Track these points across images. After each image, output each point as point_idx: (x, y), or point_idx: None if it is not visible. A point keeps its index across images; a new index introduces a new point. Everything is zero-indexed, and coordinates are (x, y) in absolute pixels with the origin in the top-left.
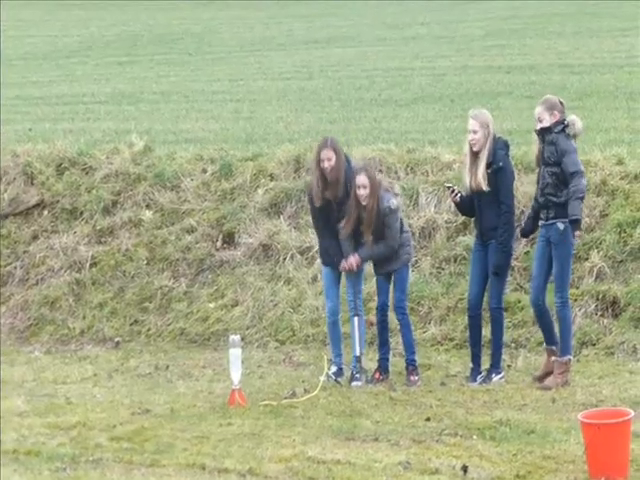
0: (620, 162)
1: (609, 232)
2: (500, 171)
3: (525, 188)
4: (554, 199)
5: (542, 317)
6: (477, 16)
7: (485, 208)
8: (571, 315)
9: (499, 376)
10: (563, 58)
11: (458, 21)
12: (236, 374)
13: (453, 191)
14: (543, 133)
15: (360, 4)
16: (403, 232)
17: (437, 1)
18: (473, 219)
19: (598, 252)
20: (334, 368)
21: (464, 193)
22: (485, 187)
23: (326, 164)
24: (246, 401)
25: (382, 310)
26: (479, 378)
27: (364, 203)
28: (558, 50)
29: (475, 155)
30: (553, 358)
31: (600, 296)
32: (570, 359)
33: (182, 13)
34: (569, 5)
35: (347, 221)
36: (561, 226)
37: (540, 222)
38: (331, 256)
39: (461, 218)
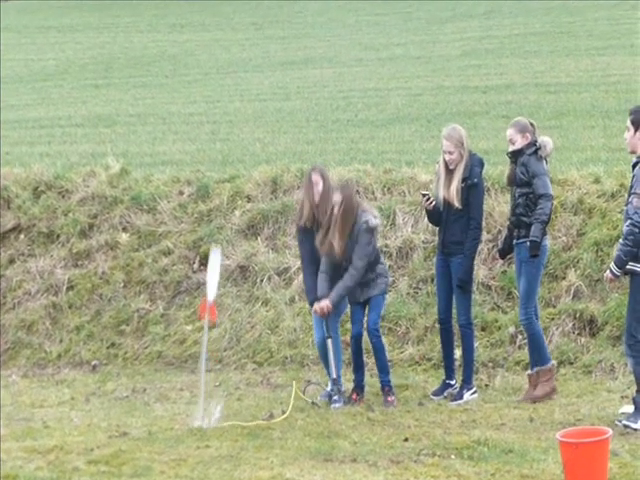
0: (597, 181)
1: (586, 251)
2: (474, 187)
3: (502, 208)
4: (524, 219)
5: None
6: (453, 36)
7: (452, 222)
8: (539, 327)
9: (471, 392)
10: (539, 77)
11: (434, 41)
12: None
13: (428, 199)
14: (515, 155)
15: (336, 25)
16: (379, 263)
17: (413, 22)
18: (438, 231)
19: (575, 271)
20: (328, 388)
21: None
22: (457, 203)
23: (314, 188)
24: (216, 317)
25: (357, 339)
26: (446, 393)
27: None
28: (534, 69)
29: (449, 169)
30: (535, 368)
31: (577, 315)
32: (553, 364)
33: (158, 36)
34: (545, 24)
35: (322, 235)
36: (529, 245)
37: (513, 241)
38: (308, 295)
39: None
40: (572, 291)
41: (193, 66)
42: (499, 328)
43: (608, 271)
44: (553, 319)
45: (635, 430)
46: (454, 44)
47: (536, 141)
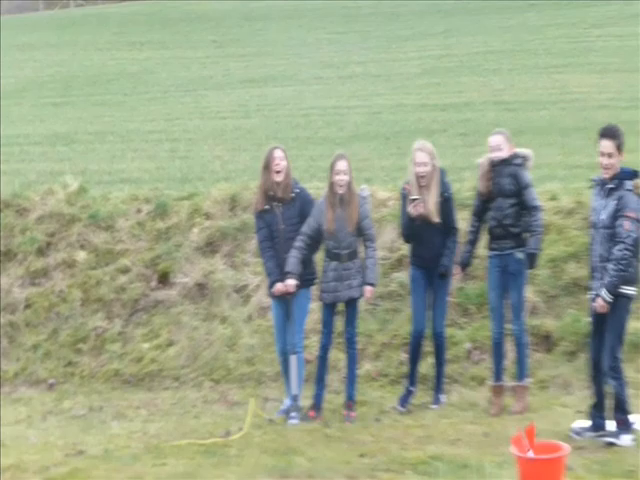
0: (554, 198)
1: (543, 267)
2: (449, 199)
3: (459, 224)
4: (513, 229)
5: (502, 346)
6: (412, 55)
7: (430, 237)
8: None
9: (444, 396)
10: (498, 95)
11: (394, 60)
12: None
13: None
14: (500, 164)
15: (297, 43)
16: (358, 256)
17: (373, 40)
18: (412, 247)
19: (532, 287)
20: (284, 406)
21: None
22: (437, 219)
23: (278, 162)
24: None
25: (325, 348)
26: (407, 401)
27: (341, 192)
28: (493, 87)
29: (422, 186)
30: (514, 383)
31: (534, 331)
32: (530, 381)
33: (118, 54)
34: (504, 42)
35: (329, 213)
36: (520, 255)
37: (492, 252)
38: (270, 276)
39: (396, 254)
40: (529, 307)
41: (153, 84)
42: (456, 344)
43: (600, 299)
44: (509, 335)
45: (620, 446)
46: (413, 62)
47: (517, 153)
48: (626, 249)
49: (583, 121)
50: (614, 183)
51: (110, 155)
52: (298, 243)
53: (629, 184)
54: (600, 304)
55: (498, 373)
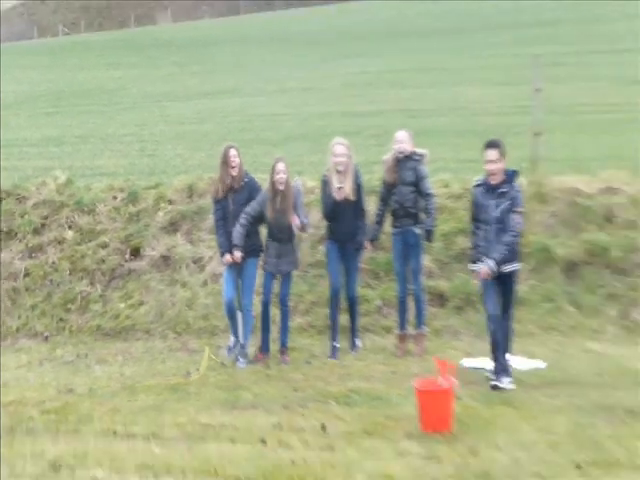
0: (446, 185)
1: (437, 240)
2: (361, 186)
3: (369, 206)
4: (412, 211)
5: (405, 303)
6: (337, 71)
7: (347, 217)
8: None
9: (359, 341)
10: (404, 105)
11: (321, 77)
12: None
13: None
14: (405, 158)
15: (244, 62)
16: (294, 238)
17: (305, 60)
18: (330, 225)
19: (429, 256)
20: (231, 344)
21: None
22: (353, 197)
23: (233, 159)
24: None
25: (266, 305)
26: (336, 354)
27: (281, 188)
28: (400, 98)
29: (340, 172)
30: (415, 332)
31: (430, 290)
32: (427, 330)
33: (98, 73)
34: (410, 63)
35: (270, 206)
36: (417, 231)
37: (395, 229)
38: (221, 248)
39: (321, 231)
40: (426, 272)
41: (126, 97)
42: (369, 302)
43: (487, 268)
44: (410, 294)
45: (503, 388)
46: (338, 78)
47: (416, 151)
48: (514, 236)
49: (474, 125)
50: (506, 187)
51: (92, 154)
52: (242, 221)
53: (517, 186)
54: (485, 272)
55: (402, 324)
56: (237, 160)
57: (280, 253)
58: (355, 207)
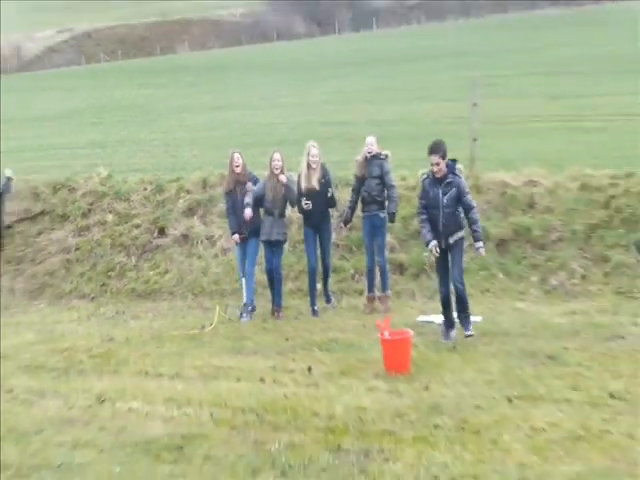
0: (404, 179)
1: (398, 222)
2: (329, 180)
3: (344, 195)
4: (378, 198)
5: (373, 271)
6: (317, 90)
7: (318, 205)
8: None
9: (334, 300)
10: (371, 116)
11: (306, 94)
12: None
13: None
14: (373, 157)
15: (246, 83)
16: (285, 214)
17: (294, 81)
18: (305, 213)
19: (391, 234)
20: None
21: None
22: (318, 187)
23: (237, 162)
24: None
25: (270, 272)
26: (317, 313)
27: (277, 172)
28: (369, 111)
29: (312, 168)
30: (379, 294)
31: (392, 261)
32: (390, 293)
33: (131, 91)
34: (372, 84)
35: (269, 186)
36: (382, 215)
37: (365, 214)
38: (232, 229)
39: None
40: (389, 247)
41: (154, 110)
42: (344, 270)
43: (482, 250)
44: (377, 264)
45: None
46: (318, 96)
47: (381, 152)
48: (475, 212)
49: (425, 132)
50: (450, 177)
51: (127, 155)
52: (247, 200)
53: (459, 173)
54: (482, 252)
55: (370, 288)
56: (240, 162)
57: (273, 225)
58: (324, 196)
